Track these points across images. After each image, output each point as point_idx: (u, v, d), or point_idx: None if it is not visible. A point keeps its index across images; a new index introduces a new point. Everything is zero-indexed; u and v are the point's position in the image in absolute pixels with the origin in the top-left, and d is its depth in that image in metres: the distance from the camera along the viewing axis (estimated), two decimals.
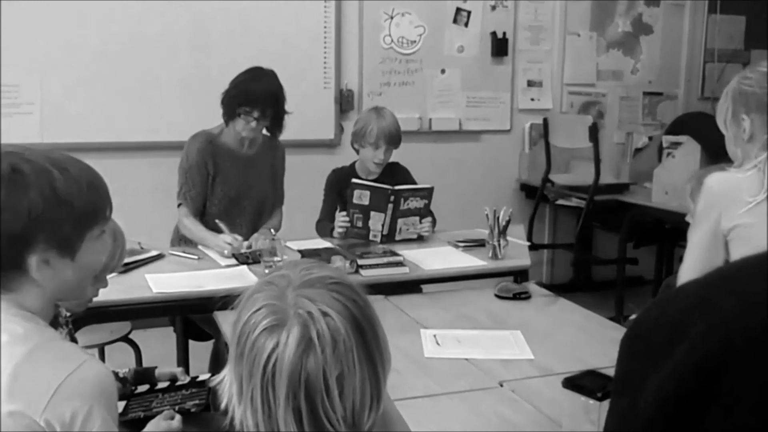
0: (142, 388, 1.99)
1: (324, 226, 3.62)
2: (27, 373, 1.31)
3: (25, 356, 1.32)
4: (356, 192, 3.42)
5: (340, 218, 3.49)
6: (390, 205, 3.41)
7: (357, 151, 3.67)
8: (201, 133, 3.44)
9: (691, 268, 2.06)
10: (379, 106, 3.76)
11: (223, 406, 1.15)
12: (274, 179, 3.62)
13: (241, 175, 3.46)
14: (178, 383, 2.04)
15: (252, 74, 3.35)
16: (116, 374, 2.12)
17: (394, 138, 3.58)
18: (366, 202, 3.42)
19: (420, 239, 3.50)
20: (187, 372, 2.26)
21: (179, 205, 3.40)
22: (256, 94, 3.28)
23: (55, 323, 1.86)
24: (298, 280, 1.13)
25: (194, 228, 3.34)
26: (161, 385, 2.02)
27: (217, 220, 3.24)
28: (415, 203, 3.48)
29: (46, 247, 1.38)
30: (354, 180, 3.46)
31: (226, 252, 3.11)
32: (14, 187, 1.34)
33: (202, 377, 2.11)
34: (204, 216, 3.42)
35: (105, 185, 1.48)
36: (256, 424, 1.09)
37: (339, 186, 3.67)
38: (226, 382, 1.14)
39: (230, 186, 3.44)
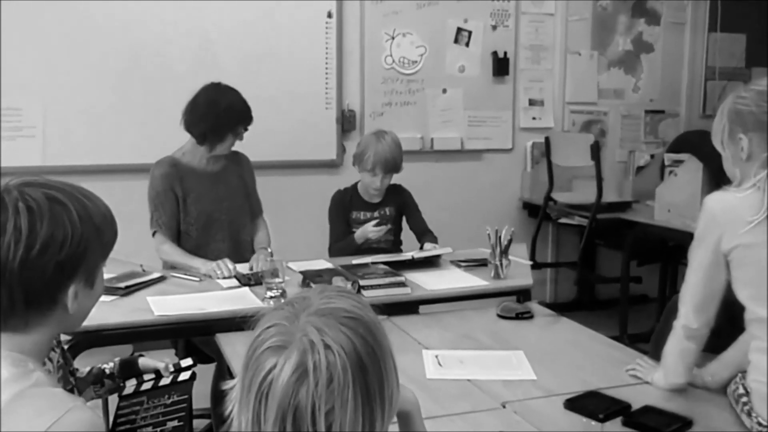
0: (129, 385, 1.97)
1: (339, 248, 3.61)
2: (6, 423, 1.22)
3: (5, 405, 1.24)
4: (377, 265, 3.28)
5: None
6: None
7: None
8: (163, 159, 3.45)
9: (693, 288, 2.06)
10: (382, 130, 3.74)
11: (228, 411, 1.15)
12: (246, 190, 3.61)
13: (212, 192, 3.45)
14: (161, 384, 2.02)
15: (227, 92, 3.41)
16: (103, 371, 2.10)
17: (390, 165, 3.57)
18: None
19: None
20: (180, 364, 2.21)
21: (154, 234, 3.39)
22: (249, 109, 3.38)
23: None
24: (315, 305, 1.13)
25: (175, 254, 3.34)
26: (146, 385, 2.00)
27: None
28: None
29: (81, 277, 1.34)
30: (374, 260, 3.28)
31: (218, 272, 3.12)
32: (57, 216, 1.29)
33: (184, 365, 2.06)
34: (180, 237, 3.42)
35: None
36: None
37: (344, 205, 3.67)
38: (237, 387, 1.14)
39: (203, 204, 3.43)
